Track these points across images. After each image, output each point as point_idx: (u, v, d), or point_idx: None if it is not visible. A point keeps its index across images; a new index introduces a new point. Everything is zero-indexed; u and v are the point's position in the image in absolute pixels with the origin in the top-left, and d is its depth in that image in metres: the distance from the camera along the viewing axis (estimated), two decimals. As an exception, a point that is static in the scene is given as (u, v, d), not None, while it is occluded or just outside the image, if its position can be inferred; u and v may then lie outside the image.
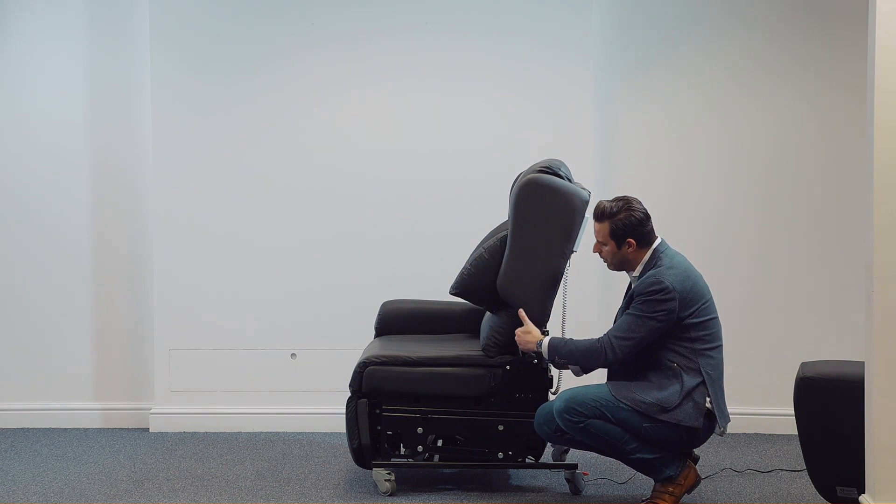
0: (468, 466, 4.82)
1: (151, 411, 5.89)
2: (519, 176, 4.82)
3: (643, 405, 4.34)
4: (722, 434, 4.45)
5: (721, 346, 4.47)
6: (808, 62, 5.80)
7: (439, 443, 4.81)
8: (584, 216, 4.64)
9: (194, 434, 5.80)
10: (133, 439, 5.71)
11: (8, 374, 6.02)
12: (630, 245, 4.45)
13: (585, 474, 4.77)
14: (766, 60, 5.82)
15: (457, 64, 5.86)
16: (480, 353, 4.71)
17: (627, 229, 4.43)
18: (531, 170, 4.72)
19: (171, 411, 5.88)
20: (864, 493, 4.19)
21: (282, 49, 5.88)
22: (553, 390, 4.74)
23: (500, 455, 4.68)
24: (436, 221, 5.87)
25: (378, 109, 5.89)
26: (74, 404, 6.00)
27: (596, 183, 5.68)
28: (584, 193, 4.65)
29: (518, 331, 4.57)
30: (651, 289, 4.34)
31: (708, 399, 4.38)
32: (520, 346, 4.58)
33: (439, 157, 5.87)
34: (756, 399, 5.83)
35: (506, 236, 4.71)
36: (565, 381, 4.82)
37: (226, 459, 5.29)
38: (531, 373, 4.67)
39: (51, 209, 5.99)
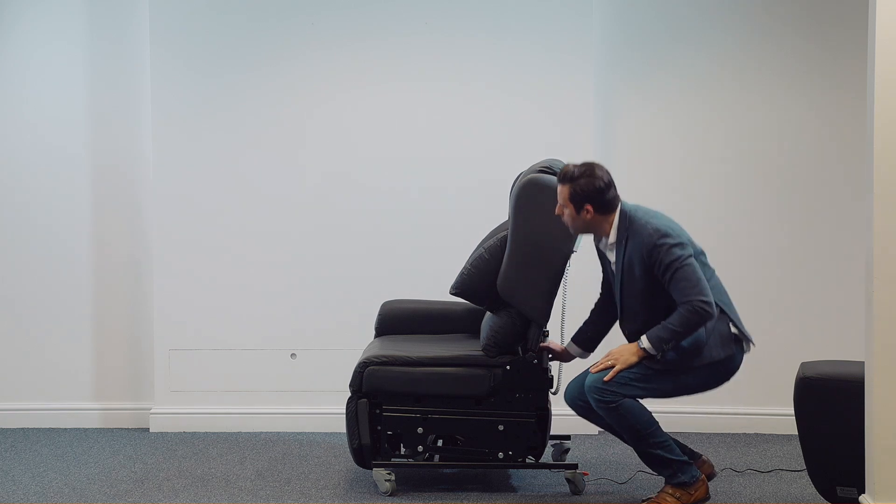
0: (468, 466, 4.82)
1: (151, 411, 5.89)
2: (519, 176, 4.82)
3: (674, 360, 4.34)
4: (748, 350, 4.48)
5: (713, 270, 4.49)
6: (808, 62, 5.80)
7: (439, 443, 4.81)
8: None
9: (194, 434, 5.80)
10: (133, 439, 5.71)
11: (8, 374, 6.02)
12: (588, 211, 4.42)
13: (585, 474, 4.76)
14: (765, 62, 5.82)
15: (457, 66, 5.86)
16: (480, 353, 4.71)
17: (586, 195, 4.40)
18: (531, 170, 4.72)
19: (171, 411, 5.88)
20: (864, 493, 4.19)
21: (282, 50, 5.88)
22: (553, 390, 4.74)
23: (501, 455, 4.68)
24: (436, 221, 5.87)
25: (377, 111, 5.88)
26: (74, 404, 6.00)
27: (596, 183, 5.67)
28: (585, 193, 4.65)
29: (611, 361, 4.41)
30: (660, 241, 4.32)
31: (731, 324, 4.40)
32: (625, 366, 4.37)
33: (439, 158, 5.87)
34: (756, 399, 5.83)
35: (506, 236, 4.71)
36: (565, 380, 4.82)
37: (226, 459, 5.29)
38: (531, 373, 4.67)
39: (51, 210, 5.99)
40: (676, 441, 4.55)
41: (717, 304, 4.38)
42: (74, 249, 5.99)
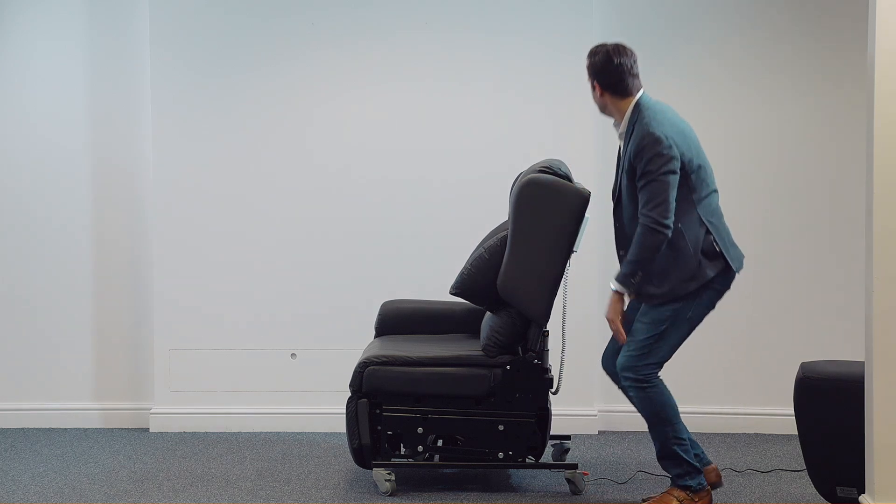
0: (468, 466, 4.82)
1: (151, 411, 5.89)
2: (519, 176, 4.82)
3: (673, 291, 4.33)
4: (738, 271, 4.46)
5: (716, 191, 4.44)
6: (808, 62, 5.80)
7: (439, 443, 4.81)
8: (584, 216, 4.64)
9: (194, 434, 5.80)
10: (133, 439, 5.71)
11: (8, 374, 6.02)
12: (596, 88, 4.45)
13: (585, 474, 4.76)
14: (765, 61, 5.82)
15: (457, 64, 5.86)
16: (480, 353, 4.71)
17: (595, 71, 4.44)
18: (531, 170, 4.72)
19: (171, 411, 5.88)
20: (864, 493, 4.19)
21: (281, 49, 5.88)
22: (553, 390, 4.74)
23: (501, 455, 4.68)
24: (436, 221, 5.87)
25: (378, 110, 5.88)
26: (74, 404, 6.00)
27: (596, 183, 5.67)
28: (585, 193, 4.65)
29: (611, 326, 4.41)
30: (649, 146, 4.27)
31: (716, 244, 4.36)
32: (617, 317, 4.38)
33: (439, 157, 5.87)
34: (756, 399, 5.83)
35: (506, 236, 4.71)
36: (566, 380, 4.83)
37: (226, 459, 5.29)
38: (531, 373, 4.67)
39: (51, 209, 5.99)
40: (695, 445, 4.55)
41: (704, 223, 4.35)
42: (75, 249, 5.99)
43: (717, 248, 4.35)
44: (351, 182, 5.89)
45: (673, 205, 4.27)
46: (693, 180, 4.34)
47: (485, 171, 5.82)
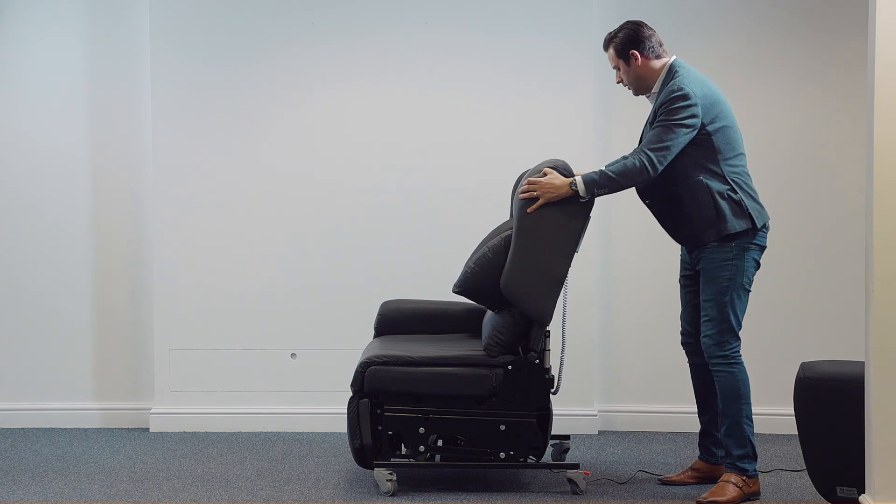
0: (469, 466, 4.82)
1: (151, 411, 5.89)
2: (522, 175, 4.83)
3: (693, 238, 4.47)
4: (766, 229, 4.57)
5: (743, 154, 4.57)
6: (810, 60, 5.80)
7: (440, 443, 4.81)
8: (587, 216, 4.64)
9: (194, 434, 5.80)
10: (133, 439, 5.71)
11: (8, 374, 6.02)
12: (635, 58, 4.58)
13: (586, 474, 4.76)
14: (766, 57, 5.83)
15: (457, 63, 5.86)
16: (482, 353, 4.71)
17: (627, 43, 4.59)
18: (535, 170, 4.71)
19: (171, 411, 5.88)
20: (864, 493, 4.20)
21: (282, 47, 5.89)
22: (553, 390, 4.74)
23: (502, 455, 4.67)
24: (436, 221, 5.87)
25: (378, 108, 5.89)
26: (74, 404, 6.00)
27: (596, 183, 5.68)
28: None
29: (541, 183, 4.53)
30: (673, 96, 4.44)
31: (743, 203, 4.47)
32: (547, 196, 4.51)
33: (439, 156, 5.87)
34: (756, 399, 5.78)
35: (510, 235, 4.70)
36: (566, 380, 4.82)
37: (226, 459, 5.29)
38: (532, 373, 4.67)
39: (50, 208, 5.99)
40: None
41: (729, 181, 4.47)
42: (74, 249, 5.99)
43: (744, 207, 4.47)
44: (352, 181, 5.89)
45: (672, 155, 4.42)
46: (719, 141, 4.48)
47: (486, 171, 5.82)
